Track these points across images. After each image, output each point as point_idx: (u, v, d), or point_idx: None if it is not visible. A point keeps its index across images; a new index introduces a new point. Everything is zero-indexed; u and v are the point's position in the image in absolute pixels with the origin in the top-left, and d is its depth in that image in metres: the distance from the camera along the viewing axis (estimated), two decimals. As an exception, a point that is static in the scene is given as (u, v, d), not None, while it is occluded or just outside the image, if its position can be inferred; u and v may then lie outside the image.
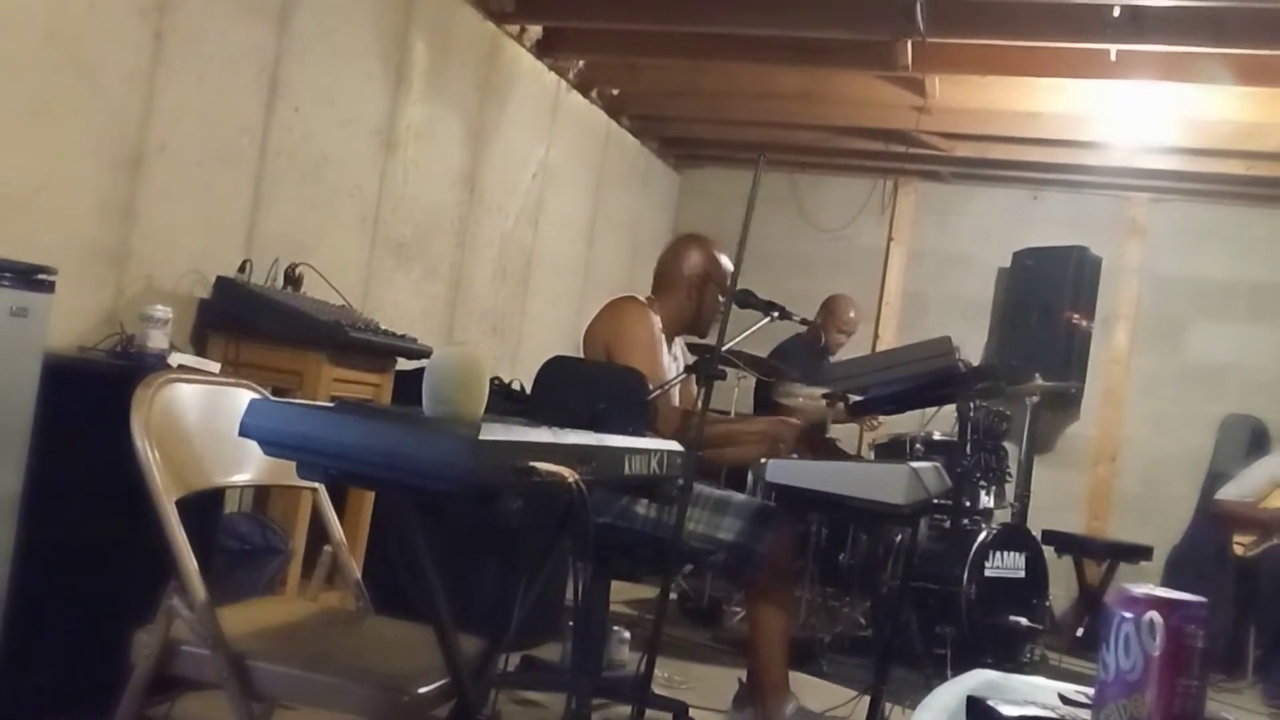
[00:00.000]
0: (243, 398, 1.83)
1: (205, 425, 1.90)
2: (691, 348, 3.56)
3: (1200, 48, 4.13)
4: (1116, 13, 3.94)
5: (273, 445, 1.55)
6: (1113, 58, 4.33)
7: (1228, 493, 5.44)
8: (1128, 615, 0.96)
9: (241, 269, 3.38)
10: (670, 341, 3.31)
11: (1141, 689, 0.96)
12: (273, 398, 1.88)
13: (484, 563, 3.35)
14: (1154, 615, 0.95)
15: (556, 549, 1.83)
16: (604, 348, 3.10)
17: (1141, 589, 0.97)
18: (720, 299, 3.26)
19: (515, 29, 4.89)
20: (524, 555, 1.86)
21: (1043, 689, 1.37)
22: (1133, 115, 5.06)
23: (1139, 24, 3.99)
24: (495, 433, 1.48)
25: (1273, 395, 5.77)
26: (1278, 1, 3.73)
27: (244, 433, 1.52)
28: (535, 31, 5.03)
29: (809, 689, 3.81)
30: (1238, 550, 5.31)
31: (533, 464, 1.52)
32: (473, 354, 1.55)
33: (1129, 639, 0.97)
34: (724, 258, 3.32)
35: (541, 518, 1.79)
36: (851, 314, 5.43)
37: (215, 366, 2.92)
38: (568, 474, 1.57)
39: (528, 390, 3.59)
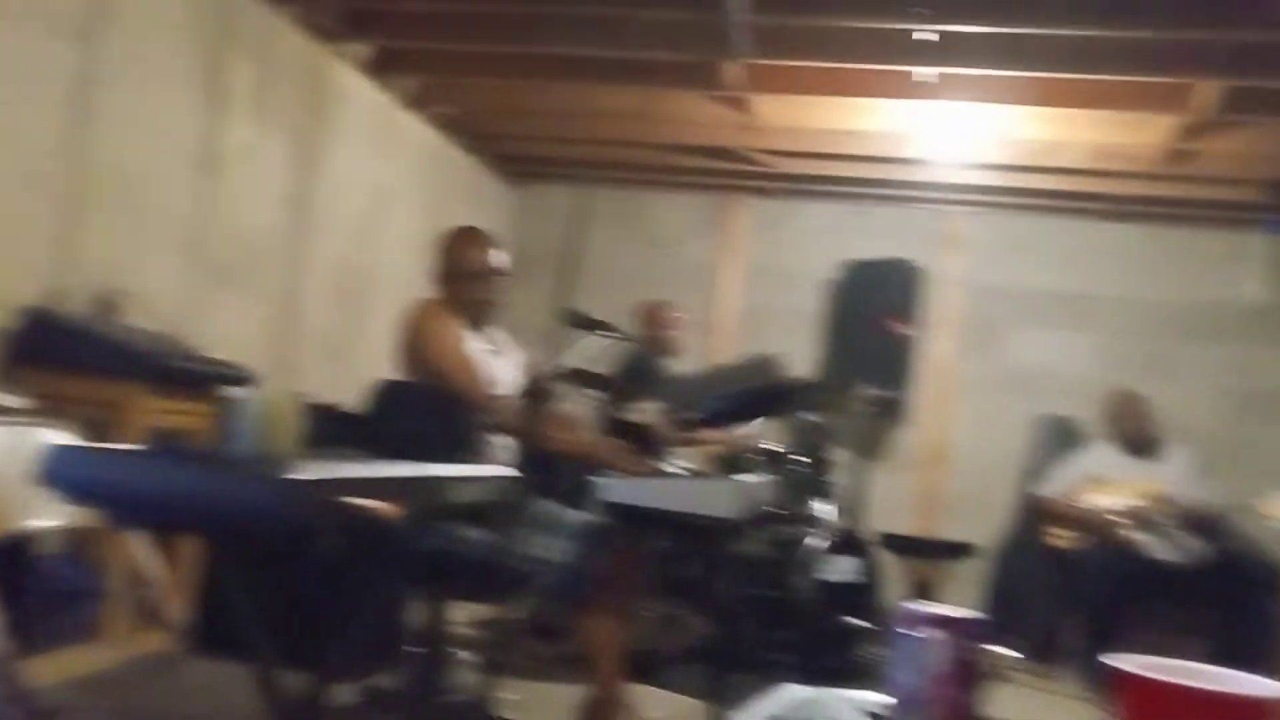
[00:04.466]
0: (48, 437, 1.76)
1: (7, 467, 1.82)
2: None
3: (1003, 71, 4.36)
4: (926, 37, 4.12)
5: (76, 496, 1.51)
6: (926, 79, 4.52)
7: (1045, 489, 5.73)
8: (913, 634, 1.02)
9: (53, 298, 3.24)
10: (479, 331, 3.33)
11: (927, 703, 1.01)
12: (75, 443, 1.81)
13: (320, 596, 3.28)
14: (935, 633, 1.01)
15: (379, 583, 1.82)
16: (410, 357, 3.12)
17: (923, 608, 1.03)
18: (474, 283, 3.29)
19: (342, 48, 4.82)
20: (348, 590, 1.85)
21: (852, 702, 1.43)
22: (947, 133, 5.30)
23: (948, 48, 4.19)
24: (310, 471, 1.47)
25: (1083, 396, 6.08)
26: (1070, 29, 3.97)
27: (44, 483, 1.47)
28: (364, 51, 4.96)
29: (652, 701, 3.85)
30: (1054, 544, 5.59)
31: (349, 501, 1.52)
32: (284, 394, 1.53)
33: (913, 657, 1.02)
34: (466, 242, 3.37)
35: (364, 551, 1.78)
36: (672, 315, 5.50)
37: (21, 402, 2.79)
38: (386, 509, 1.56)
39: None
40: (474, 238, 3.42)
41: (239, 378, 3.44)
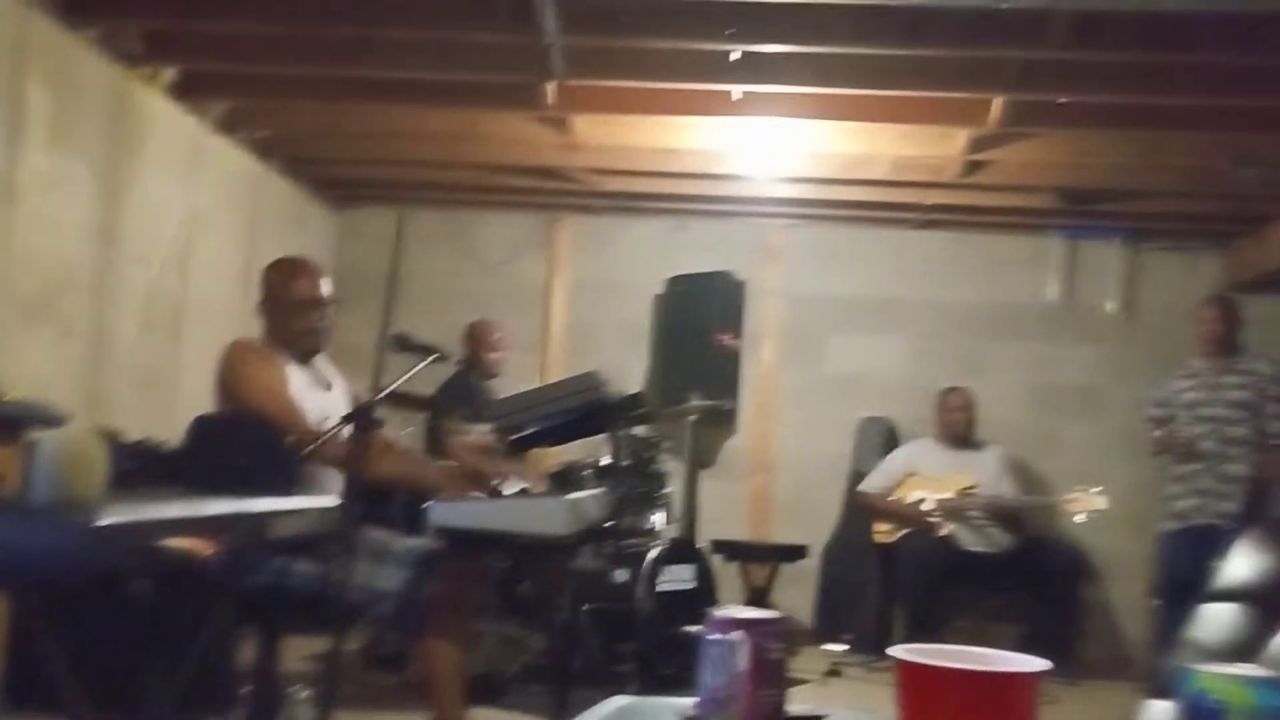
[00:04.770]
0: None
1: None
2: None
3: (808, 88, 4.54)
4: (736, 57, 4.26)
5: None
6: (737, 97, 4.67)
7: (868, 485, 5.98)
8: (717, 638, 1.07)
9: None
10: (305, 364, 3.29)
11: (731, 702, 1.07)
12: None
13: (136, 642, 3.17)
14: (737, 635, 1.07)
15: (200, 624, 1.79)
16: (229, 400, 3.07)
17: (726, 613, 1.08)
18: (299, 316, 3.25)
19: (147, 72, 4.67)
20: (166, 633, 1.81)
21: (674, 708, 1.48)
22: (761, 148, 5.47)
23: (756, 67, 4.34)
24: (117, 514, 1.44)
25: (899, 397, 6.37)
26: (869, 48, 4.17)
27: None
28: (170, 74, 4.82)
29: (494, 723, 3.86)
30: (879, 538, 5.84)
31: (161, 543, 1.49)
32: (85, 436, 1.50)
33: (718, 660, 1.08)
34: (290, 273, 3.33)
35: (181, 592, 1.75)
36: (496, 335, 5.52)
37: None
38: (201, 548, 1.54)
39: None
40: (300, 268, 3.36)
41: (46, 418, 3.29)
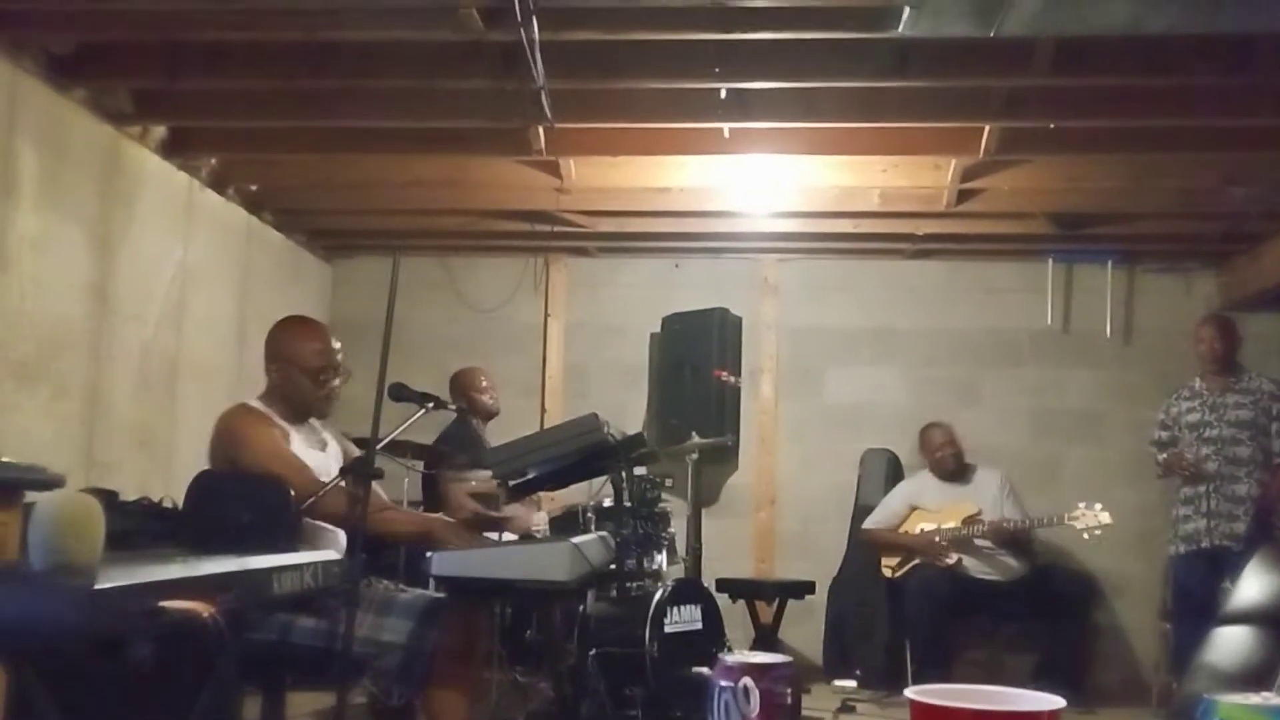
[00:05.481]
0: None
1: None
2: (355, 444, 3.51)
3: (797, 123, 4.56)
4: (723, 95, 4.28)
5: None
6: (726, 135, 4.69)
7: (873, 520, 5.94)
8: (726, 684, 1.05)
9: None
10: (303, 424, 3.26)
11: (744, 749, 1.05)
12: None
13: (138, 708, 3.13)
14: (747, 681, 1.05)
15: (203, 685, 1.76)
16: (232, 464, 3.02)
17: (735, 658, 1.06)
18: (311, 379, 3.21)
19: (136, 130, 4.69)
20: (167, 697, 1.78)
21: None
22: (752, 184, 5.49)
23: (744, 104, 4.36)
24: (116, 577, 1.42)
25: (900, 427, 6.35)
26: (856, 81, 4.18)
27: None
28: (159, 132, 4.84)
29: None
30: (886, 573, 5.79)
31: (162, 604, 1.47)
32: (81, 499, 1.48)
33: (729, 706, 1.05)
34: (303, 335, 3.29)
35: (183, 654, 1.72)
36: (483, 380, 5.52)
37: None
38: (202, 609, 1.52)
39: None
40: (313, 333, 3.31)
41: (42, 481, 3.26)
